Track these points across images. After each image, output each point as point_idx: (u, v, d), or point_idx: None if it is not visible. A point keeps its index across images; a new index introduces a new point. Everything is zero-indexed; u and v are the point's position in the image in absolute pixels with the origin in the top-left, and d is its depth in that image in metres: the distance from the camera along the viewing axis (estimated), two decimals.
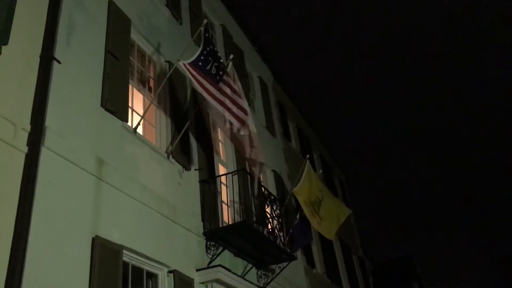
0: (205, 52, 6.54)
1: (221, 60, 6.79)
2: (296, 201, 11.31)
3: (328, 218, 10.41)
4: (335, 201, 10.87)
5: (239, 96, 6.88)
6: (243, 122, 6.61)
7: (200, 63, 6.42)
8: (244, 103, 6.93)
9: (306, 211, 9.88)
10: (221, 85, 6.61)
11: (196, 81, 6.28)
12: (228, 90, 6.66)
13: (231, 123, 6.74)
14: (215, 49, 6.79)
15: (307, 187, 10.21)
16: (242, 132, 6.69)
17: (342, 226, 11.02)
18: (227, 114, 6.56)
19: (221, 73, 6.67)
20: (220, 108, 6.47)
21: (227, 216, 8.37)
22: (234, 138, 7.26)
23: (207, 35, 6.75)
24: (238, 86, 7.24)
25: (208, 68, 6.50)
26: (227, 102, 6.58)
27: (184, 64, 6.27)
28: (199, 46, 6.90)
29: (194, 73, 6.27)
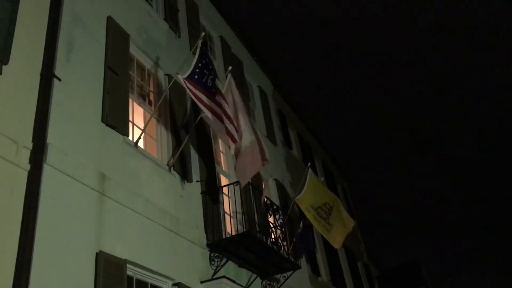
0: (200, 64, 6.57)
1: (214, 73, 6.80)
2: (299, 209, 11.31)
3: (336, 225, 10.41)
4: (343, 210, 10.85)
5: (235, 110, 6.90)
6: (233, 139, 6.61)
7: (196, 76, 6.46)
8: (241, 118, 6.96)
9: (311, 217, 9.86)
10: (218, 97, 6.62)
11: (194, 96, 6.33)
12: (223, 103, 6.67)
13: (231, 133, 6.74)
14: (211, 62, 6.82)
15: (310, 195, 10.21)
16: (233, 148, 6.70)
17: (348, 234, 10.99)
18: (225, 126, 6.57)
19: (216, 85, 6.69)
20: (218, 122, 6.50)
21: (230, 227, 8.38)
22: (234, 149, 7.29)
23: (203, 48, 6.80)
24: (237, 97, 7.28)
25: (204, 81, 6.54)
26: (223, 115, 6.59)
27: (185, 83, 6.34)
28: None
29: (191, 87, 6.32)
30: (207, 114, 6.49)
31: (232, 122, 6.55)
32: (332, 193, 10.86)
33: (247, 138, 7.07)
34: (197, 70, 6.50)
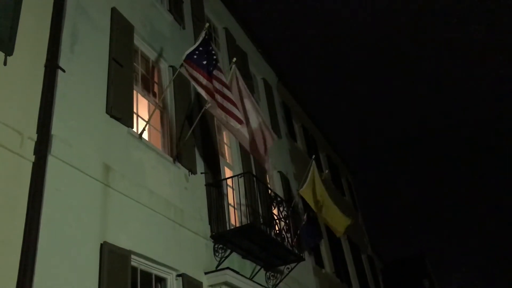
0: (200, 48, 6.56)
1: (214, 63, 6.74)
2: (303, 201, 11.31)
3: (338, 216, 10.52)
4: (336, 208, 10.91)
5: (241, 95, 6.91)
6: (239, 120, 6.58)
7: (195, 56, 6.46)
8: (246, 102, 7.00)
9: (316, 209, 9.90)
10: (214, 82, 6.57)
11: (194, 80, 6.35)
12: (221, 87, 6.63)
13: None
14: (212, 50, 6.78)
15: (314, 187, 10.23)
16: (242, 130, 6.74)
17: (349, 227, 11.09)
18: (226, 107, 6.54)
19: (211, 68, 6.64)
20: (217, 107, 6.50)
21: (234, 218, 8.40)
22: (238, 135, 7.35)
23: (206, 37, 6.78)
24: (241, 84, 7.30)
25: (204, 63, 6.53)
26: (220, 99, 6.53)
27: (184, 65, 6.33)
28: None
29: (190, 69, 6.34)
30: (203, 96, 6.48)
31: (234, 105, 6.52)
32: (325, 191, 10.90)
33: (254, 121, 7.12)
34: (197, 52, 6.50)
